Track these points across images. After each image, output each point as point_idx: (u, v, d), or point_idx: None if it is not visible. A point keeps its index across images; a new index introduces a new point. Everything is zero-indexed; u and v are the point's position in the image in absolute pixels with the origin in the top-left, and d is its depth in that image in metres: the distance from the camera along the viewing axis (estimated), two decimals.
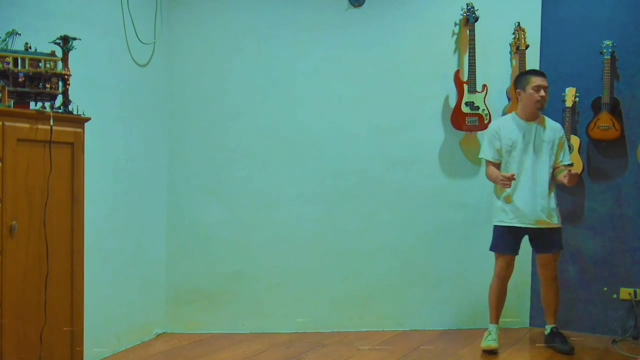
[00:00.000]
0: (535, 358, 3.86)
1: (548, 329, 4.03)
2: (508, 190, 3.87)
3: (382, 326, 4.43)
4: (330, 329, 4.38)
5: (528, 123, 3.91)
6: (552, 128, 3.94)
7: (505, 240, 3.93)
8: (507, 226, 3.90)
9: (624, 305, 4.25)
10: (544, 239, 3.91)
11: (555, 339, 3.95)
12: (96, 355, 3.58)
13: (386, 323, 4.44)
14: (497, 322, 4.00)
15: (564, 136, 3.99)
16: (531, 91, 3.84)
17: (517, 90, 3.93)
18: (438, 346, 4.05)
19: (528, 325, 4.51)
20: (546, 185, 3.86)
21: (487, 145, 3.98)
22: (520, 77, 3.95)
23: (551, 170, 3.91)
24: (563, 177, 3.80)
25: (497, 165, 3.96)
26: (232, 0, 4.33)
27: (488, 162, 3.99)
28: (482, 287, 4.44)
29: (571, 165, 3.99)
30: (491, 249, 4.00)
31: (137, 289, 4.00)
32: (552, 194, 3.90)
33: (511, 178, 3.74)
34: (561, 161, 3.93)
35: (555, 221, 3.88)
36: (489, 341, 3.91)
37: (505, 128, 3.93)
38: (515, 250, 3.96)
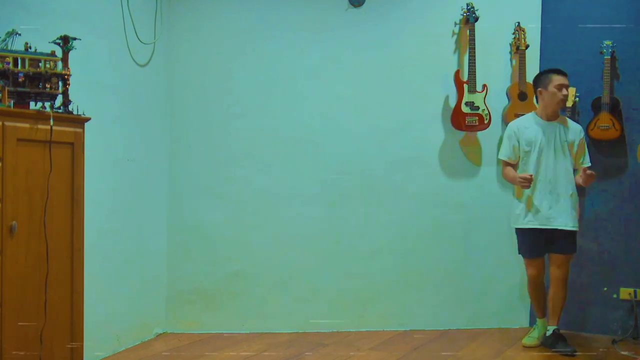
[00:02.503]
0: (535, 358, 3.86)
1: (550, 330, 3.97)
2: (527, 191, 3.86)
3: (382, 326, 4.43)
4: (330, 329, 4.38)
5: (549, 123, 3.90)
6: (573, 129, 3.93)
7: (531, 243, 3.93)
8: (529, 229, 3.90)
9: (624, 305, 4.25)
10: (558, 240, 3.89)
11: (558, 342, 3.90)
12: (96, 355, 3.58)
13: (386, 323, 4.44)
14: (542, 316, 4.02)
15: (584, 138, 3.96)
16: (554, 90, 3.83)
17: (539, 89, 3.92)
18: (438, 346, 4.05)
19: (528, 325, 4.51)
20: (567, 187, 3.85)
21: (505, 145, 3.99)
22: (541, 76, 3.94)
23: (572, 171, 3.90)
24: (579, 178, 3.82)
25: (514, 166, 3.96)
26: (232, 1, 4.34)
27: (504, 163, 4.00)
28: (482, 287, 4.47)
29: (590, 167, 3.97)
30: (520, 253, 4.00)
31: (137, 289, 4.00)
32: (573, 196, 3.88)
33: (529, 179, 3.75)
34: (582, 163, 3.93)
35: (571, 224, 3.86)
36: (528, 338, 4.04)
37: (525, 127, 3.92)
38: (542, 252, 3.94)
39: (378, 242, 4.44)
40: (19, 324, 2.56)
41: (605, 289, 4.31)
